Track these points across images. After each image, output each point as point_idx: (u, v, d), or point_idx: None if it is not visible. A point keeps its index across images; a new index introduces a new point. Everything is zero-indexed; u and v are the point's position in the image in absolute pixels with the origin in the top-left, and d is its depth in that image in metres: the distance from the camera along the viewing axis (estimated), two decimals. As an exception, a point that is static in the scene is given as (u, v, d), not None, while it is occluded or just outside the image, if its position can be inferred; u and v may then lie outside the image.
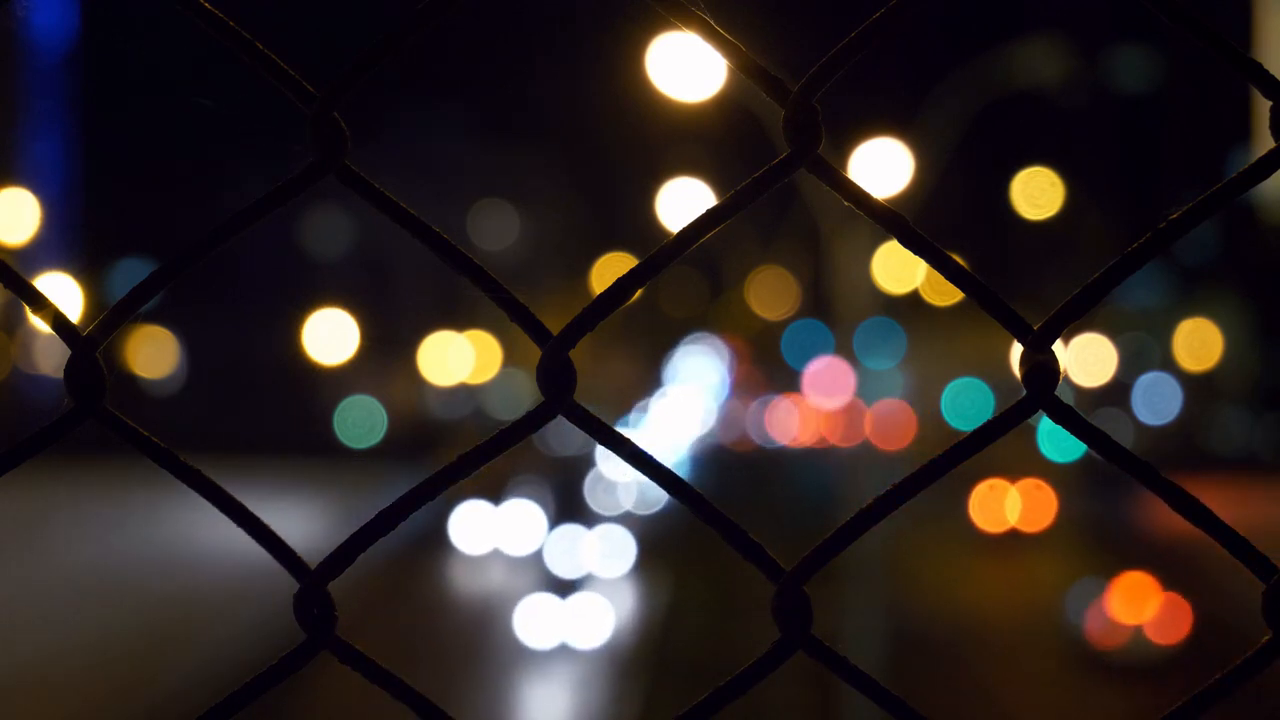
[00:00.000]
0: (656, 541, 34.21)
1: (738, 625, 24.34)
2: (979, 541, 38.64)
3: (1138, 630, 27.61)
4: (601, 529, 32.07)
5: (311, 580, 1.53)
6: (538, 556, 31.34)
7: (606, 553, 31.17)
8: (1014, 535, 39.43)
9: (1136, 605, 28.28)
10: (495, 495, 34.42)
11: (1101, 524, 40.03)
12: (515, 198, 68.55)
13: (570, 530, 31.47)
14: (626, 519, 36.63)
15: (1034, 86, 27.15)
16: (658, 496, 39.35)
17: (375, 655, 1.52)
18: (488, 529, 34.10)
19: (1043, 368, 1.52)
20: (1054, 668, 25.14)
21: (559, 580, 28.82)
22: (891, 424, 31.97)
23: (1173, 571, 30.74)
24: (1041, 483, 41.54)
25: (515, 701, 23.65)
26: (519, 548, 33.23)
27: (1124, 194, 66.28)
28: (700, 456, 58.03)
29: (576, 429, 1.54)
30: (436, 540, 33.85)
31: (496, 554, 33.67)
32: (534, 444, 38.30)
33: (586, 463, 40.67)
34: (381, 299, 62.76)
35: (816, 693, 19.73)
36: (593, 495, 38.35)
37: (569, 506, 34.99)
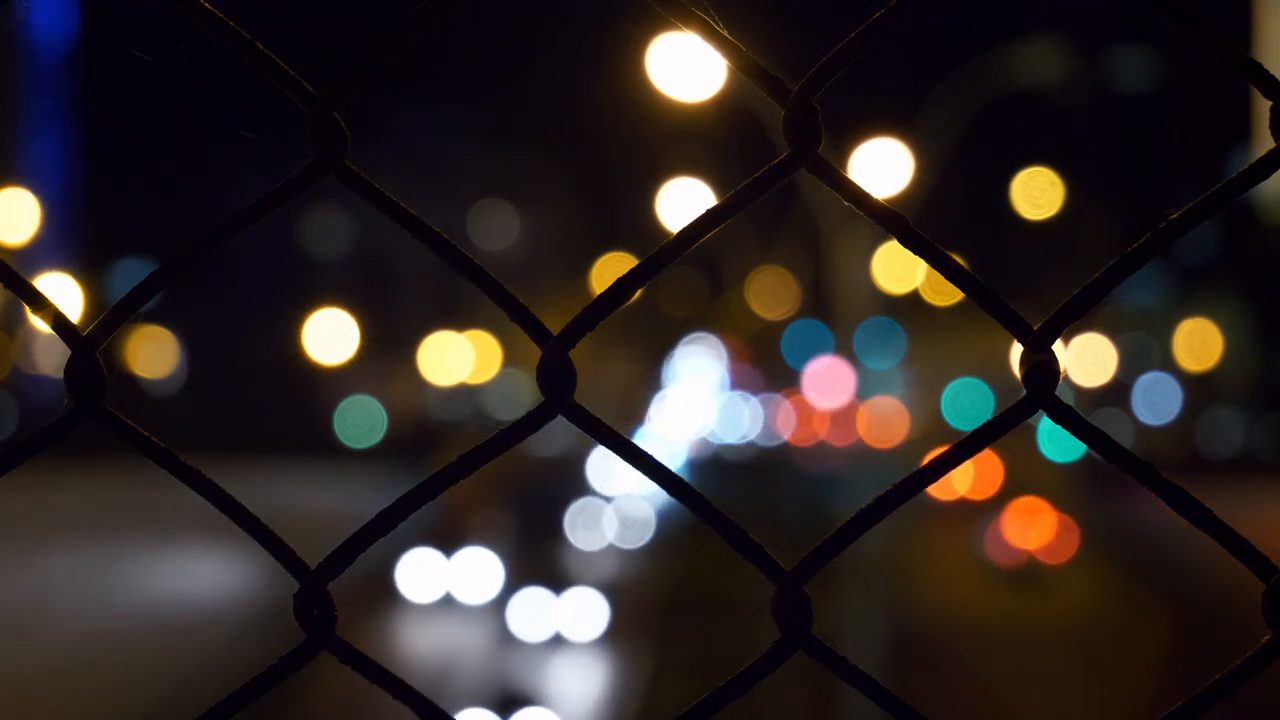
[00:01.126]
0: (636, 597, 29.71)
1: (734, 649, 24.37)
2: (930, 509, 38.94)
3: (1030, 553, 30.79)
4: (572, 593, 26.76)
5: (311, 580, 1.53)
6: (498, 613, 27.04)
7: (577, 617, 26.47)
8: (963, 504, 39.87)
9: (1028, 528, 31.19)
10: (448, 543, 29.36)
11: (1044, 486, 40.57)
12: (515, 198, 68.56)
13: (535, 594, 26.67)
14: (606, 558, 33.45)
15: (1034, 86, 27.16)
16: (643, 529, 36.19)
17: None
18: (439, 581, 29.06)
19: (1043, 368, 1.52)
20: (1049, 662, 25.17)
21: (519, 643, 25.50)
22: (885, 423, 32.36)
23: (1070, 501, 33.48)
24: (988, 451, 42.86)
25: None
26: (474, 596, 28.67)
27: (1124, 194, 66.30)
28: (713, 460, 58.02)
29: (557, 433, 1.54)
30: (379, 590, 28.49)
31: (449, 602, 28.66)
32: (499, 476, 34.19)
33: (574, 486, 37.53)
34: (381, 299, 62.77)
35: (816, 693, 19.73)
36: (573, 529, 34.74)
37: (537, 556, 30.61)
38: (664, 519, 36.41)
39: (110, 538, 36.46)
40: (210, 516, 1.59)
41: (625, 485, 38.69)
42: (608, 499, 37.68)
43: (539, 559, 30.32)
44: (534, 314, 1.51)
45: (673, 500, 1.56)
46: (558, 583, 27.22)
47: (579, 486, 38.20)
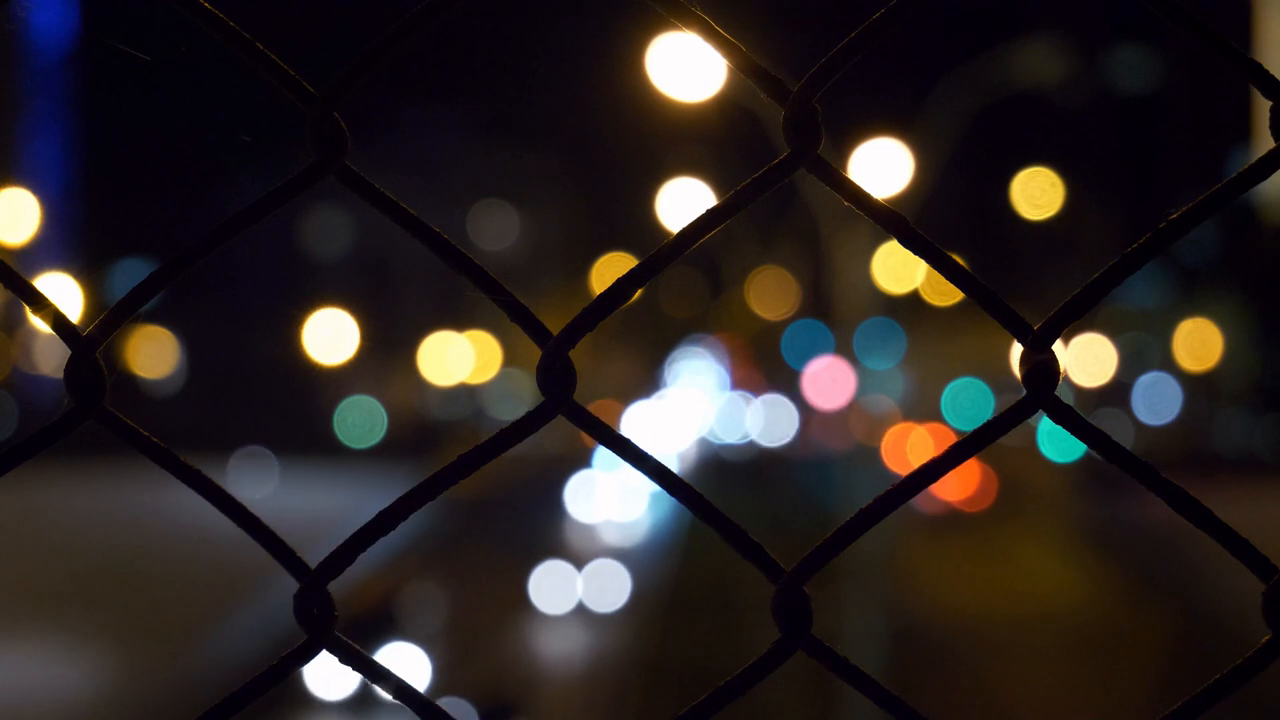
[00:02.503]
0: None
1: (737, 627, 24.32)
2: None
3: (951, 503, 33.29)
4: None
5: (311, 580, 1.53)
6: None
7: None
8: None
9: (954, 479, 34.02)
10: (366, 634, 22.07)
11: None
12: (515, 198, 68.59)
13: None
14: (576, 620, 27.63)
15: (1034, 86, 27.16)
16: (618, 591, 29.01)
17: None
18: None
19: (1043, 368, 1.52)
20: (1049, 661, 25.17)
21: None
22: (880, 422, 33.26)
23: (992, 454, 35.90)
24: (946, 429, 44.23)
25: None
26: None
27: (1124, 194, 66.30)
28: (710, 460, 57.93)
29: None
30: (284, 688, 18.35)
31: (364, 703, 21.75)
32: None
33: (547, 541, 33.14)
34: (381, 299, 62.79)
35: (816, 693, 19.73)
36: (538, 592, 28.27)
37: (485, 642, 25.24)
38: (641, 580, 30.40)
39: (106, 533, 36.14)
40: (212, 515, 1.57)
41: (606, 512, 37.46)
42: (583, 542, 33.31)
43: (486, 649, 24.99)
44: (534, 314, 1.51)
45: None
46: (496, 696, 20.93)
47: (549, 540, 33.58)
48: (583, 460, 39.41)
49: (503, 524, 36.41)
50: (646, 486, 38.77)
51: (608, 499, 37.97)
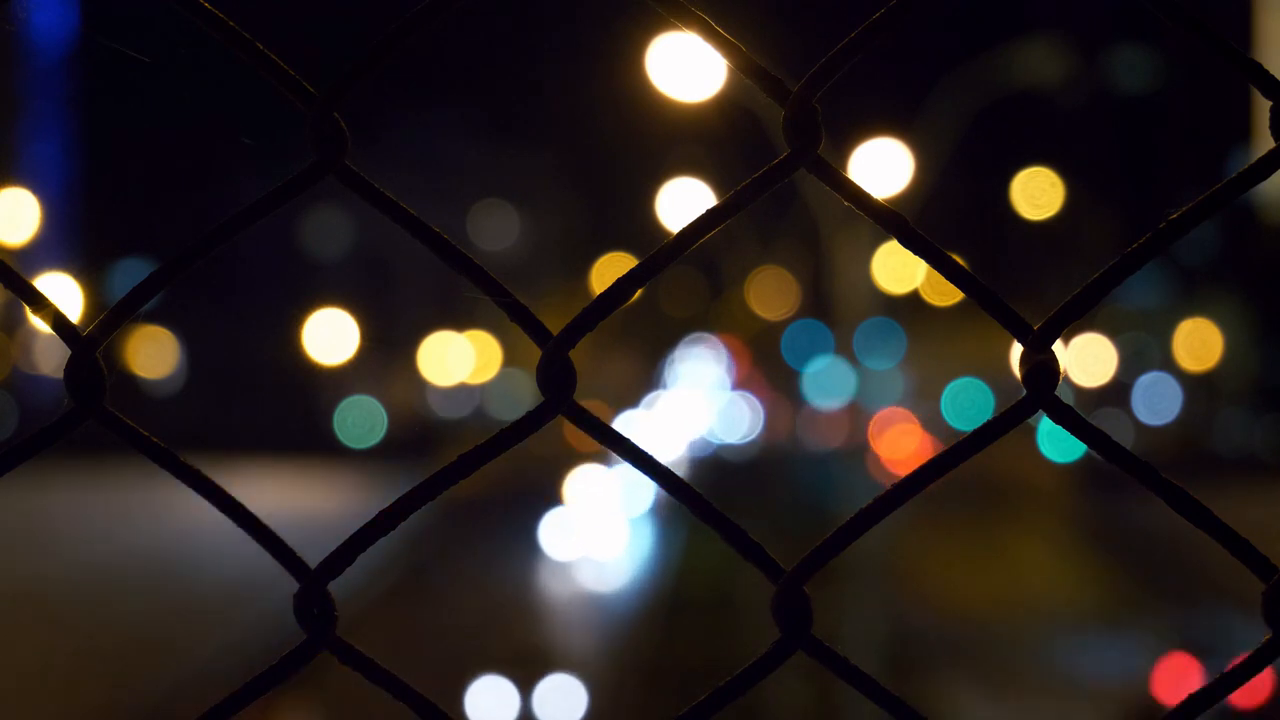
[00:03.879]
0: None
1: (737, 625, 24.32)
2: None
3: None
4: None
5: (311, 580, 1.53)
6: None
7: None
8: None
9: (901, 449, 34.43)
10: None
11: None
12: (515, 198, 68.58)
13: None
14: None
15: (1034, 86, 27.17)
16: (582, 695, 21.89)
17: None
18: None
19: (1043, 368, 1.52)
20: (1047, 660, 25.18)
21: None
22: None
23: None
24: (912, 416, 44.94)
25: None
26: None
27: (1124, 194, 66.27)
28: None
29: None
30: None
31: None
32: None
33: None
34: (381, 299, 62.76)
35: (816, 693, 19.72)
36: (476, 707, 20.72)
37: None
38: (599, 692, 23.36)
39: (104, 536, 36.11)
40: (211, 516, 1.57)
41: (585, 549, 35.33)
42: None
43: None
44: (534, 314, 1.51)
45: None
46: None
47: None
48: (565, 462, 37.66)
49: (461, 581, 33.14)
50: (625, 521, 37.36)
51: (584, 536, 35.88)
